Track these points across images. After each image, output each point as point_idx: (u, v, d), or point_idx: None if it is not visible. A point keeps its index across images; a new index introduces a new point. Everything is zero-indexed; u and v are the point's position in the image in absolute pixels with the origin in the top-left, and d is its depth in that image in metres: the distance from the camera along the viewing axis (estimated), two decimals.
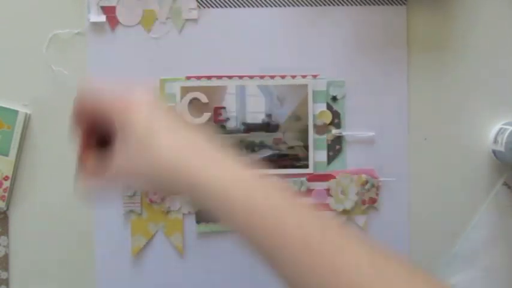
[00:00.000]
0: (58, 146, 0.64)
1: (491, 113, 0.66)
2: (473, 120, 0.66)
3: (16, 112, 0.63)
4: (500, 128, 0.64)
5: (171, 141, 0.39)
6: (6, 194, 0.64)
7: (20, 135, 0.63)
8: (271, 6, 0.64)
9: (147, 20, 0.64)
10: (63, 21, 0.63)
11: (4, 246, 0.65)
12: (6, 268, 0.65)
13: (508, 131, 0.62)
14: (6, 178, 0.63)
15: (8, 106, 0.63)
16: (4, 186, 0.64)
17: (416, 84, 0.65)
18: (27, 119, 0.64)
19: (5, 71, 0.64)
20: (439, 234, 0.66)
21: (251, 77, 0.64)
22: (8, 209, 0.65)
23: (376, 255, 0.38)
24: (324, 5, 0.64)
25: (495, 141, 0.64)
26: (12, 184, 0.64)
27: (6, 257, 0.65)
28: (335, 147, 0.65)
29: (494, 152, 0.65)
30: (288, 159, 0.64)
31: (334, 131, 0.65)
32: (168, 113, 0.41)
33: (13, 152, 0.63)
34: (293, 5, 0.64)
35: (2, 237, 0.65)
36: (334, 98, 0.64)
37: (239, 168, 0.39)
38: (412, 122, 0.65)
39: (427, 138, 0.66)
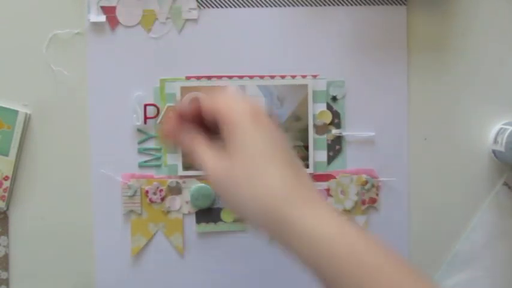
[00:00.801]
0: (58, 146, 0.64)
1: (491, 113, 0.66)
2: (473, 120, 0.66)
3: (16, 112, 0.63)
4: (500, 128, 0.64)
5: (281, 179, 0.38)
6: (6, 194, 0.64)
7: (20, 135, 0.63)
8: (271, 6, 0.64)
9: (147, 20, 0.64)
10: (63, 21, 0.63)
11: (4, 246, 0.65)
12: (6, 268, 0.65)
13: (508, 131, 0.62)
14: (6, 178, 0.63)
15: (8, 106, 0.63)
16: (4, 186, 0.64)
17: (416, 84, 0.65)
18: (27, 119, 0.64)
19: (5, 71, 0.64)
20: (439, 234, 0.66)
21: (251, 77, 0.64)
22: (8, 209, 0.65)
23: None
24: (324, 5, 0.64)
25: (495, 141, 0.64)
26: (12, 184, 0.64)
27: (6, 257, 0.65)
28: (335, 147, 0.65)
29: (494, 152, 0.65)
30: None
31: (334, 131, 0.65)
32: (271, 130, 0.40)
33: (13, 152, 0.63)
34: (293, 5, 0.64)
35: (2, 237, 0.65)
36: (334, 98, 0.64)
37: (339, 218, 0.37)
38: (412, 122, 0.65)
39: (427, 138, 0.66)
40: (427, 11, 0.65)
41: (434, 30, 0.65)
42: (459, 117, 0.66)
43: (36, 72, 0.63)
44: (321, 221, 0.37)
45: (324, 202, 0.39)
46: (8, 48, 0.63)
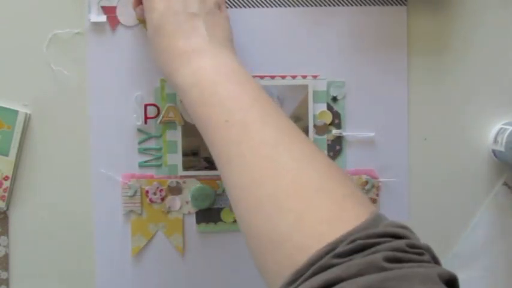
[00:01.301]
0: (58, 146, 0.64)
1: (491, 113, 0.66)
2: (473, 120, 0.66)
3: (16, 112, 0.63)
4: (500, 128, 0.64)
5: (168, 53, 0.52)
6: (6, 194, 0.64)
7: (20, 135, 0.63)
8: (271, 6, 0.64)
9: None
10: (63, 21, 0.63)
11: (4, 246, 0.65)
12: (6, 268, 0.65)
13: (508, 131, 0.62)
14: (6, 178, 0.63)
15: (8, 106, 0.63)
16: (4, 186, 0.64)
17: (416, 84, 0.65)
18: (27, 119, 0.64)
19: (5, 71, 0.64)
20: (439, 234, 0.66)
21: None
22: (8, 209, 0.64)
23: (303, 145, 0.45)
24: (324, 5, 0.64)
25: (495, 141, 0.64)
26: (12, 184, 0.64)
27: (6, 257, 0.65)
28: (335, 148, 0.65)
29: (494, 152, 0.65)
30: None
31: (335, 132, 0.65)
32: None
33: (13, 152, 0.63)
34: (293, 6, 0.64)
35: (2, 237, 0.64)
36: (335, 99, 0.65)
37: (205, 71, 0.50)
38: (412, 122, 0.65)
39: (427, 138, 0.66)
40: (428, 12, 0.65)
41: (434, 30, 0.65)
42: (459, 117, 0.66)
43: (36, 72, 0.63)
44: (186, 76, 0.50)
45: (203, 55, 0.51)
46: (8, 48, 0.63)
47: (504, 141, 0.62)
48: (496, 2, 0.65)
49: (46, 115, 0.64)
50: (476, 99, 0.66)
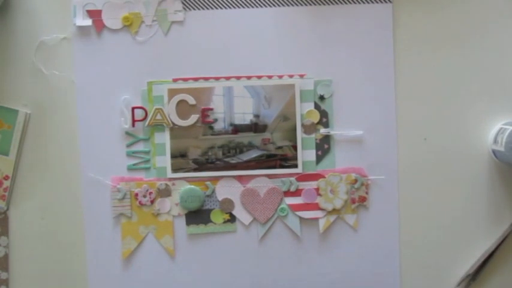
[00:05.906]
0: (58, 146, 0.65)
1: (491, 113, 0.65)
2: (473, 120, 0.65)
3: (16, 112, 0.63)
4: (500, 128, 0.64)
5: None
6: (6, 194, 0.64)
7: (20, 135, 0.64)
8: (256, 7, 0.64)
9: (133, 23, 0.64)
10: (50, 26, 0.64)
11: (4, 246, 0.65)
12: (6, 268, 0.65)
13: (508, 131, 0.61)
14: (6, 178, 0.64)
15: (8, 106, 0.64)
16: (4, 186, 0.64)
17: (404, 81, 0.65)
18: (27, 119, 0.64)
19: (5, 71, 0.64)
20: (429, 231, 0.66)
21: (238, 78, 0.64)
22: (8, 209, 0.65)
23: None
24: (310, 4, 0.64)
25: (495, 141, 0.64)
26: (12, 184, 0.64)
27: (6, 257, 0.65)
28: (323, 147, 0.65)
29: (494, 152, 0.64)
30: (276, 159, 0.64)
31: (323, 130, 0.64)
32: None
33: (13, 151, 0.64)
34: (278, 5, 0.64)
35: (2, 237, 0.65)
36: (322, 97, 0.64)
37: None
38: (412, 121, 0.65)
39: (427, 138, 0.65)
40: (415, 8, 0.64)
41: (422, 27, 0.64)
42: (459, 117, 0.65)
43: (36, 73, 0.64)
44: None
45: None
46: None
47: (504, 141, 0.61)
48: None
49: (46, 115, 0.64)
50: (476, 99, 0.65)
